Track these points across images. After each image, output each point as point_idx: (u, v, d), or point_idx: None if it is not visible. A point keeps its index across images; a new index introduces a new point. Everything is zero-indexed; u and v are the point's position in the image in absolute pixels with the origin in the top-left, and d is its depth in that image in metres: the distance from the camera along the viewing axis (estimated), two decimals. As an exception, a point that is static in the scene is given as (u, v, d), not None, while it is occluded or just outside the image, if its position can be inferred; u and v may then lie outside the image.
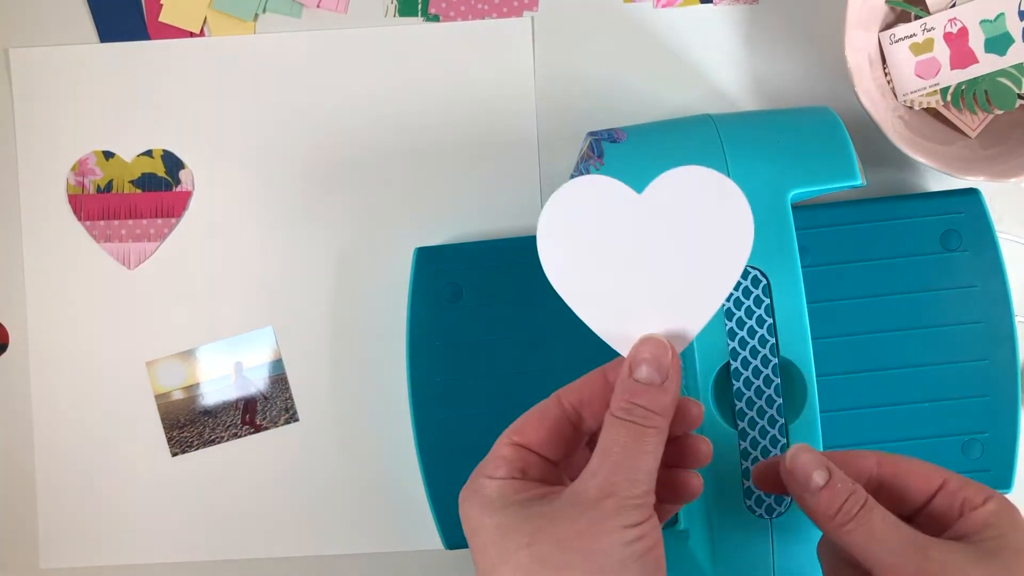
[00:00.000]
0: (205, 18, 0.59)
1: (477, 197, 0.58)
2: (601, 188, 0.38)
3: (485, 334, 0.54)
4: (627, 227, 0.38)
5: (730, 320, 0.46)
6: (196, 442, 0.58)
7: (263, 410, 0.58)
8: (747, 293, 0.47)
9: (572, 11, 0.59)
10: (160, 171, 0.58)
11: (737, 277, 0.37)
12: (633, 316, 0.38)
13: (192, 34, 0.58)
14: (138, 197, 0.58)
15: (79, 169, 0.59)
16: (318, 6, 0.58)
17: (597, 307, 0.39)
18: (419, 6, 0.59)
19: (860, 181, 0.48)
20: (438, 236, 0.58)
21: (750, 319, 0.46)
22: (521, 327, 0.54)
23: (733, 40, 0.59)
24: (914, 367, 0.54)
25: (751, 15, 0.59)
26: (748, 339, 0.46)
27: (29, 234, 0.59)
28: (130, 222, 0.58)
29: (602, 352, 0.53)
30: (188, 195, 0.58)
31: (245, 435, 0.58)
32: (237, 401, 0.58)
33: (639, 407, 0.36)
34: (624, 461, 0.35)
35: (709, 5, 0.59)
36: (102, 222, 0.58)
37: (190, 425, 0.58)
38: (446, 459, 0.54)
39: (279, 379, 0.58)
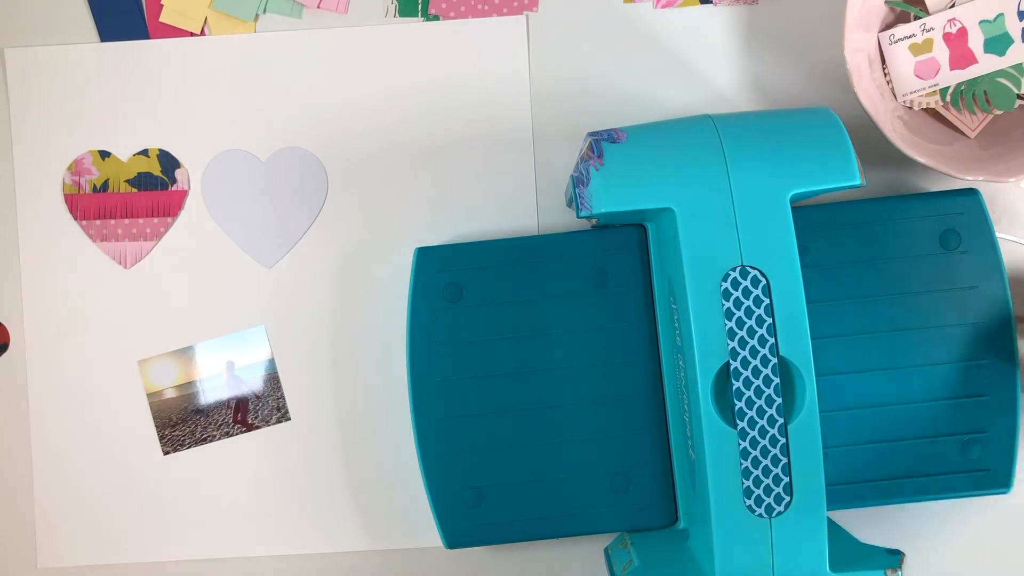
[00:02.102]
0: (206, 18, 0.58)
1: (479, 196, 0.58)
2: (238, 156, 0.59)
3: (486, 334, 0.54)
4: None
5: (730, 320, 0.46)
6: (188, 440, 0.58)
7: (255, 409, 0.58)
8: (747, 293, 0.47)
9: (572, 11, 0.59)
10: (156, 170, 0.58)
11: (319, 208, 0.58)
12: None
13: (192, 34, 0.58)
14: (134, 196, 0.58)
15: (75, 169, 0.58)
16: (318, 6, 0.58)
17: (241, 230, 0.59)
18: (419, 6, 0.59)
19: (860, 181, 0.48)
20: (438, 236, 0.58)
21: (750, 319, 0.46)
22: (522, 327, 0.54)
23: (733, 40, 0.59)
24: (913, 367, 0.53)
25: (751, 15, 0.59)
26: (748, 339, 0.46)
27: (25, 233, 0.58)
28: (126, 221, 0.58)
29: (602, 352, 0.54)
30: (184, 194, 0.58)
31: (237, 434, 0.58)
32: (229, 400, 0.58)
33: None
34: None
35: (709, 5, 0.59)
36: (98, 221, 0.58)
37: (182, 424, 0.58)
38: (447, 459, 0.53)
39: (271, 378, 0.58)
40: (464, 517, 0.53)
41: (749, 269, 0.47)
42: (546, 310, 0.54)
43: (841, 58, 0.53)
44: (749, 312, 0.46)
